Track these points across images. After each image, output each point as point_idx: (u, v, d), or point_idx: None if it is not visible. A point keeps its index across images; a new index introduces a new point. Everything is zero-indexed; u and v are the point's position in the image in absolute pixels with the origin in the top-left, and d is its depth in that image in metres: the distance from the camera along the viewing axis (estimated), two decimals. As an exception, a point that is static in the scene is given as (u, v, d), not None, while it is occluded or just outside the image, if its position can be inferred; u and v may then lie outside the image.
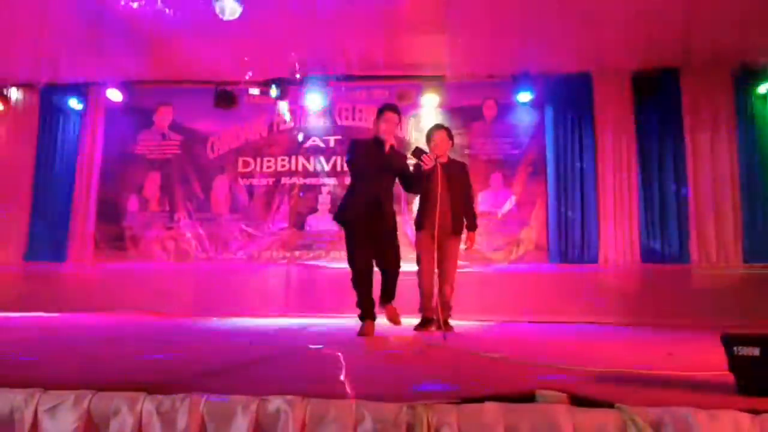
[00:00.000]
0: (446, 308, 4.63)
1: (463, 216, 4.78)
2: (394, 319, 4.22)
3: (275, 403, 1.38)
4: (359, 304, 4.09)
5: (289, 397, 1.39)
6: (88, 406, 1.41)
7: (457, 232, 4.72)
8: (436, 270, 4.55)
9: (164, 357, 2.48)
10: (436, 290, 4.61)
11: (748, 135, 6.68)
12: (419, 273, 4.66)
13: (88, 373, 1.86)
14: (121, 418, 1.39)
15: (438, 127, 4.90)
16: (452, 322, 4.71)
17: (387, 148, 4.09)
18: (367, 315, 4.05)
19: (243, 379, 1.79)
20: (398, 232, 4.28)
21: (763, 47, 6.16)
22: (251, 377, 1.86)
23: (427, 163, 4.21)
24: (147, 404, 1.40)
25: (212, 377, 1.80)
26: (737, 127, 6.69)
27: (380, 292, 4.20)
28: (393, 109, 4.27)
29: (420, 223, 4.73)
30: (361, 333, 3.95)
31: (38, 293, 6.88)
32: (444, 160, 4.67)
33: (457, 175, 4.77)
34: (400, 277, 4.24)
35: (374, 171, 4.11)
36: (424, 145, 4.74)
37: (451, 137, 4.86)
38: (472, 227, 4.82)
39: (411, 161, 4.43)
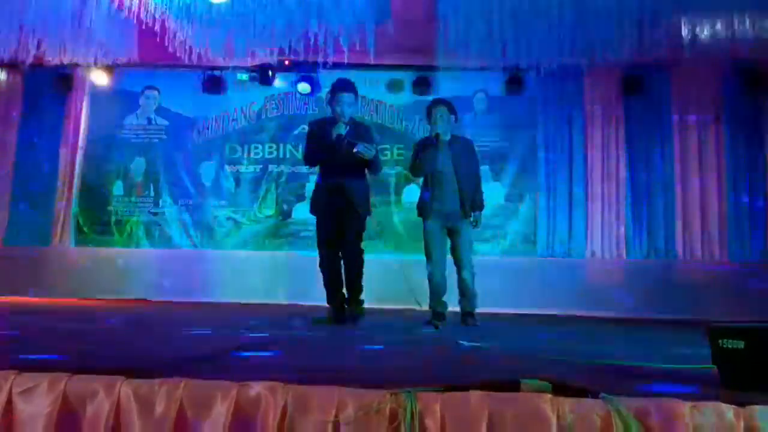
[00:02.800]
0: (471, 296, 4.24)
1: (473, 196, 4.35)
2: (351, 314, 4.00)
3: (256, 388, 1.35)
4: (325, 285, 4.01)
5: (270, 383, 1.37)
6: (64, 389, 1.37)
7: (467, 214, 4.28)
8: (449, 257, 4.26)
9: (144, 341, 2.44)
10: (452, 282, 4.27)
11: (735, 132, 6.72)
12: (429, 265, 4.26)
13: (65, 356, 1.83)
14: (98, 402, 1.36)
15: (438, 102, 4.49)
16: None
17: (341, 129, 3.84)
18: (332, 299, 3.99)
19: (223, 365, 1.76)
20: (382, 218, 4.19)
21: (754, 45, 6.17)
22: (232, 363, 1.83)
23: (368, 152, 3.84)
24: (125, 388, 1.37)
25: (192, 363, 1.77)
26: (725, 124, 6.73)
27: (346, 293, 4.01)
28: (346, 89, 3.97)
29: (427, 210, 4.27)
30: (328, 320, 3.93)
31: (19, 277, 6.77)
32: (447, 137, 4.32)
33: (464, 153, 4.37)
34: (385, 266, 4.17)
35: (332, 156, 3.86)
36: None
37: (453, 112, 4.43)
38: (479, 206, 4.40)
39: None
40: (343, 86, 3.98)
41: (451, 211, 4.20)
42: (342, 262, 3.98)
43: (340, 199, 3.88)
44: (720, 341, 1.62)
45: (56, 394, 1.37)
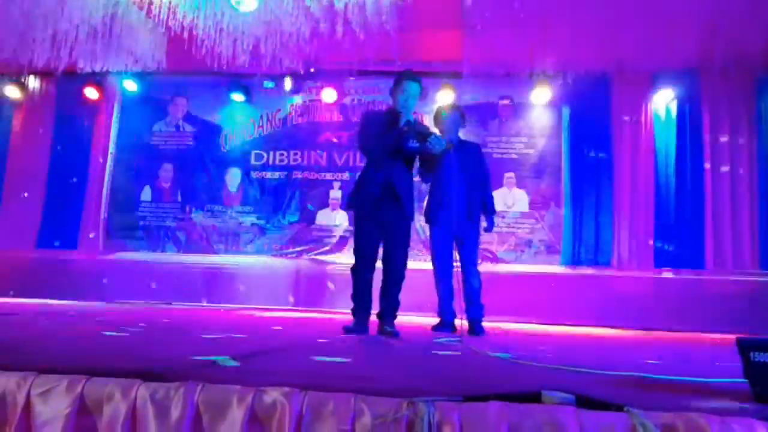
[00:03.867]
0: (477, 305, 4.14)
1: (481, 201, 4.28)
2: (386, 332, 3.51)
3: (272, 395, 1.34)
4: (353, 297, 3.59)
5: (286, 389, 1.35)
6: (82, 391, 1.38)
7: (474, 220, 4.23)
8: (456, 266, 4.09)
9: (164, 346, 2.45)
10: (458, 288, 4.11)
11: (767, 140, 6.55)
12: (436, 273, 4.21)
13: (84, 359, 1.84)
14: (115, 405, 1.36)
15: (447, 107, 4.47)
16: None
17: (403, 122, 3.51)
18: (358, 310, 3.59)
19: (241, 371, 1.75)
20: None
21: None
22: (249, 369, 1.82)
23: (437, 145, 3.48)
24: (141, 391, 1.37)
25: (210, 368, 1.77)
26: (757, 132, 6.57)
27: (380, 298, 3.61)
28: (413, 78, 3.60)
29: (433, 217, 4.23)
30: (350, 330, 3.51)
31: (49, 280, 6.91)
32: (455, 142, 4.24)
33: (472, 158, 4.28)
34: (416, 276, 3.80)
35: (387, 150, 3.54)
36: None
37: (463, 117, 4.41)
38: (491, 210, 4.33)
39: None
40: (411, 76, 3.63)
41: (458, 219, 4.09)
42: (386, 269, 3.61)
43: (389, 196, 3.55)
44: (751, 354, 1.56)
45: (74, 396, 1.37)
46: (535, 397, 1.35)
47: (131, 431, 1.35)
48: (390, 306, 3.59)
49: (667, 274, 6.42)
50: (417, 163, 3.78)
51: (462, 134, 4.62)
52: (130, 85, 7.63)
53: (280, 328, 4.08)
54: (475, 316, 4.13)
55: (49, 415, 1.36)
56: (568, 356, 2.81)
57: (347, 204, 3.80)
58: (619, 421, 1.25)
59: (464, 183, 4.14)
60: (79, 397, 1.37)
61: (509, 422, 1.25)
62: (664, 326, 5.94)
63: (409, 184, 3.67)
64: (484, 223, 4.35)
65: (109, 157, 7.71)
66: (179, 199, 7.59)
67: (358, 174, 3.76)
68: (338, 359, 2.14)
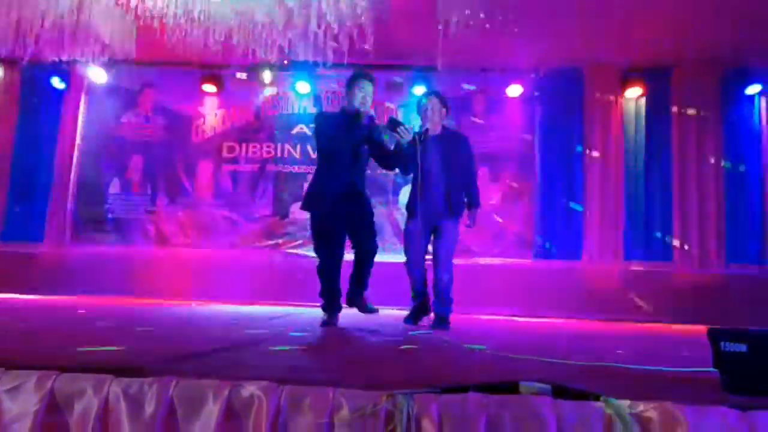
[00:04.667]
0: (446, 300, 4.01)
1: (463, 194, 4.12)
2: (369, 309, 3.85)
3: (249, 389, 1.32)
4: (322, 294, 3.75)
5: (263, 383, 1.34)
6: (52, 387, 1.34)
7: (454, 213, 4.05)
8: (428, 258, 4.05)
9: (135, 340, 2.41)
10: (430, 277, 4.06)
11: (734, 136, 6.70)
12: (408, 263, 4.09)
13: (53, 354, 1.79)
14: (86, 401, 1.32)
15: (429, 94, 4.31)
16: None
17: (364, 119, 3.62)
18: (330, 305, 3.75)
19: (216, 365, 1.73)
20: (381, 220, 3.97)
21: (754, 48, 6.17)
22: (224, 363, 1.80)
23: (405, 136, 3.59)
24: (114, 387, 1.34)
25: (184, 361, 1.74)
26: (724, 128, 6.71)
27: (352, 284, 3.82)
28: (368, 77, 3.73)
29: (412, 209, 4.09)
30: (325, 323, 3.68)
31: (14, 274, 6.72)
32: (437, 131, 4.11)
33: (454, 148, 4.10)
34: (393, 269, 3.93)
35: (348, 150, 3.64)
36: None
37: (444, 105, 4.20)
38: (474, 204, 4.16)
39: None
40: (366, 75, 3.78)
41: (436, 211, 4.01)
42: (359, 259, 3.77)
43: (353, 193, 3.69)
44: (722, 344, 1.60)
45: (43, 392, 1.33)
46: (512, 388, 1.36)
47: (103, 428, 1.31)
48: (362, 288, 3.81)
49: (636, 267, 6.54)
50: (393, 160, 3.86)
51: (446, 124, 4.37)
52: (98, 75, 7.43)
53: (255, 321, 4.04)
54: (443, 310, 4.01)
55: (18, 411, 1.32)
56: (543, 347, 2.84)
57: (306, 205, 3.81)
58: (595, 411, 1.27)
59: (444, 174, 4.03)
60: (48, 393, 1.33)
61: (487, 413, 1.26)
62: (634, 318, 6.07)
63: (365, 177, 3.86)
64: (468, 222, 4.20)
65: (76, 149, 7.50)
66: (149, 191, 7.44)
67: (313, 176, 3.88)
68: (312, 352, 2.13)
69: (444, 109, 4.20)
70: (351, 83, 3.74)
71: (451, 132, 4.30)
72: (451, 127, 4.55)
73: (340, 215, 3.66)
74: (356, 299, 3.84)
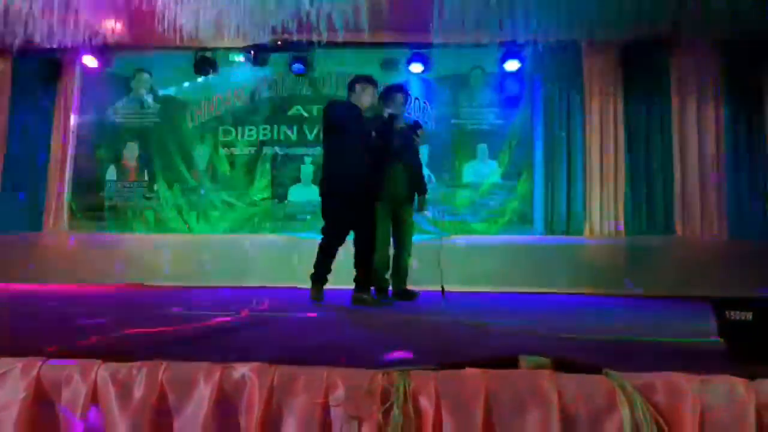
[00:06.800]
0: (404, 274, 4.49)
1: (418, 181, 4.56)
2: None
3: (240, 370, 1.29)
4: (317, 266, 4.01)
5: (256, 363, 1.30)
6: (38, 374, 1.30)
7: (411, 199, 4.54)
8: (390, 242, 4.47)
9: (130, 326, 2.37)
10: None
11: (734, 109, 6.62)
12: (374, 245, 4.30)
13: (41, 340, 1.76)
14: (74, 387, 1.29)
15: (395, 88, 4.47)
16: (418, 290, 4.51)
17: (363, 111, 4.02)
18: (320, 279, 4.01)
19: (207, 347, 1.69)
20: None
21: (753, 22, 6.06)
22: (217, 345, 1.76)
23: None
24: (102, 371, 1.30)
25: (175, 345, 1.71)
26: (724, 101, 6.62)
27: (360, 276, 4.03)
28: (369, 80, 4.09)
29: (380, 194, 4.29)
30: (314, 298, 3.96)
31: (11, 263, 6.68)
32: (401, 122, 4.41)
33: (411, 137, 4.43)
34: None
35: (363, 138, 3.96)
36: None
37: (406, 95, 4.54)
38: (423, 191, 4.60)
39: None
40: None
41: (400, 196, 4.38)
42: (361, 249, 4.02)
43: (365, 187, 3.96)
44: (727, 313, 1.56)
45: (30, 379, 1.30)
46: (511, 362, 1.32)
47: (92, 414, 1.28)
48: (369, 275, 4.06)
49: (639, 241, 6.51)
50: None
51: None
52: (91, 62, 7.33)
53: (251, 303, 4.01)
54: (402, 284, 4.46)
55: (4, 400, 1.29)
56: (544, 321, 2.81)
57: (326, 190, 4.01)
58: (598, 384, 1.23)
59: (403, 164, 4.40)
60: (35, 380, 1.30)
61: (486, 388, 1.22)
62: (635, 291, 6.04)
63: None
64: (422, 211, 4.68)
65: (71, 137, 7.44)
66: (146, 177, 7.39)
67: (327, 160, 4.04)
68: (305, 332, 2.10)
69: (406, 102, 4.58)
70: (350, 88, 4.10)
71: (408, 121, 4.69)
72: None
73: (352, 205, 3.91)
74: (364, 285, 4.02)
